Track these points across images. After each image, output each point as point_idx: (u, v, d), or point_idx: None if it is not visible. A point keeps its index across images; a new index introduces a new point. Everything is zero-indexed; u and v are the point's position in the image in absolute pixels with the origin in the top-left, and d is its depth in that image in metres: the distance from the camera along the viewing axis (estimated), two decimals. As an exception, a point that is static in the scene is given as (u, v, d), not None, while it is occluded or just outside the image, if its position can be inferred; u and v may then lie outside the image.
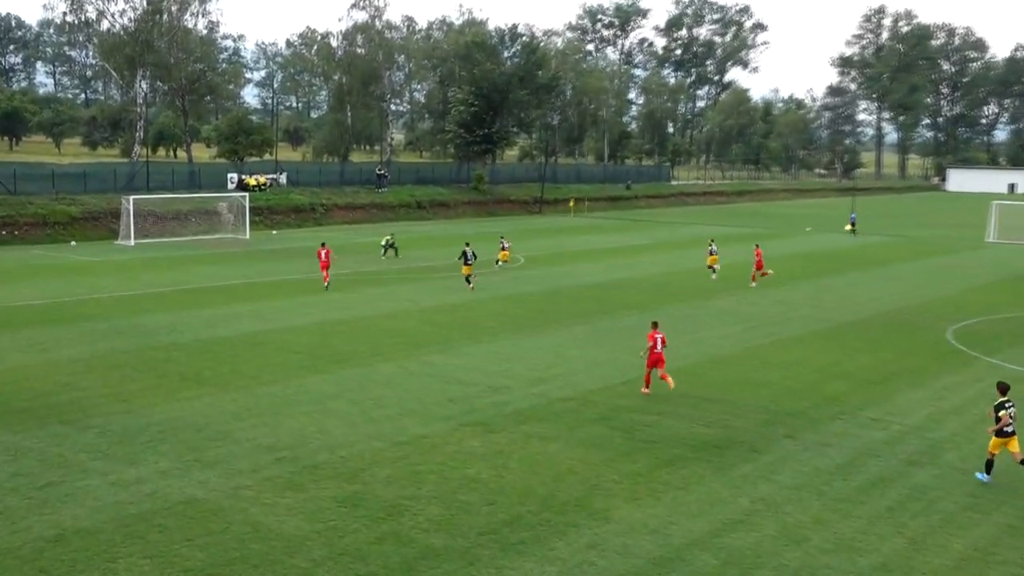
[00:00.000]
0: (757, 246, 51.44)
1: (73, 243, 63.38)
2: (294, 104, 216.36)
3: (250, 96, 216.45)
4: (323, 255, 45.18)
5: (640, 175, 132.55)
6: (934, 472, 20.56)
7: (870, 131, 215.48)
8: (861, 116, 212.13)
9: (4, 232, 63.35)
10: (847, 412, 24.90)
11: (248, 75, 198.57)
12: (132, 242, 63.45)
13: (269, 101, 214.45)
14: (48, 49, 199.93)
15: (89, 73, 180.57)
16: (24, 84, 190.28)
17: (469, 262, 45.56)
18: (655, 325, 26.92)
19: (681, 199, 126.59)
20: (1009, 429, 19.53)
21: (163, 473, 19.36)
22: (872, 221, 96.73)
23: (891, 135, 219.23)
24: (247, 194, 73.86)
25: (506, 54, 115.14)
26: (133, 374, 27.28)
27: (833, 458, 21.30)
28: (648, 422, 23.46)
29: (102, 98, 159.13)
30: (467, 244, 47.34)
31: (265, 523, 17.10)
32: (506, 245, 55.68)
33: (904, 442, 22.50)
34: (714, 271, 50.52)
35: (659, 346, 26.07)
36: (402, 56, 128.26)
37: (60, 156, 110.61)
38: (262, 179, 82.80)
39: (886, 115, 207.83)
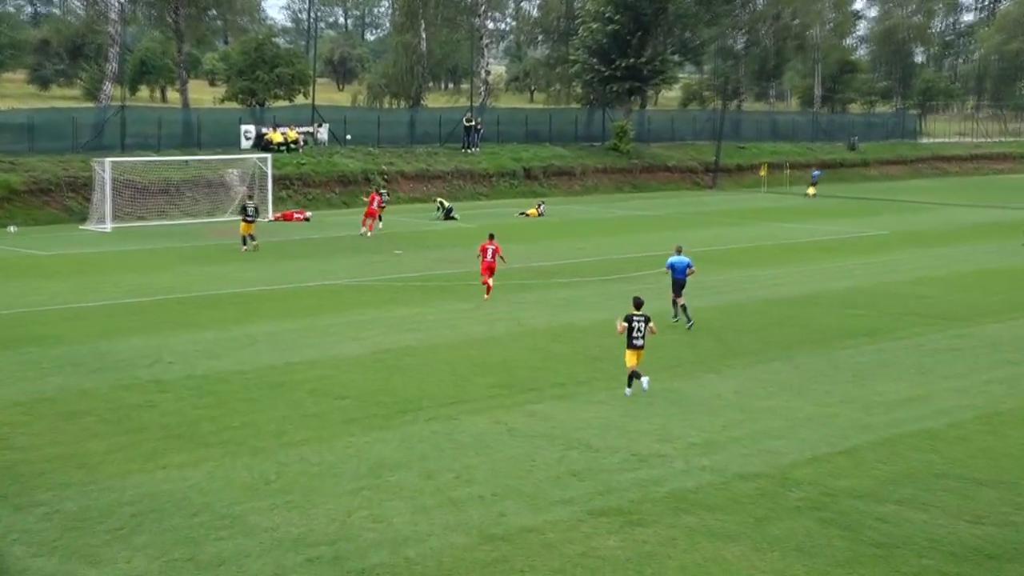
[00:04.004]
0: (375, 190, 68.84)
1: (12, 228, 65.05)
2: (341, 21, 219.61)
3: (274, 9, 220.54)
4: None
5: (871, 129, 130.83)
6: None
7: None
8: None
9: (-86, 212, 65.51)
10: None
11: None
12: (109, 226, 65.03)
13: (303, 16, 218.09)
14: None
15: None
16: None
17: (249, 218, 56.47)
18: (491, 237, 44.93)
19: (935, 165, 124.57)
20: (637, 343, 30.88)
21: (139, 577, 19.64)
22: None
23: None
24: (269, 156, 75.04)
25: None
26: (97, 427, 27.78)
27: None
28: (882, 514, 22.99)
29: (57, 12, 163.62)
30: (250, 197, 60.62)
31: (290, 657, 17.21)
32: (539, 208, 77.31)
33: None
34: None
35: (489, 255, 44.06)
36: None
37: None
38: (292, 134, 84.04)
39: None
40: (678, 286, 40.85)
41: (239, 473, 24.59)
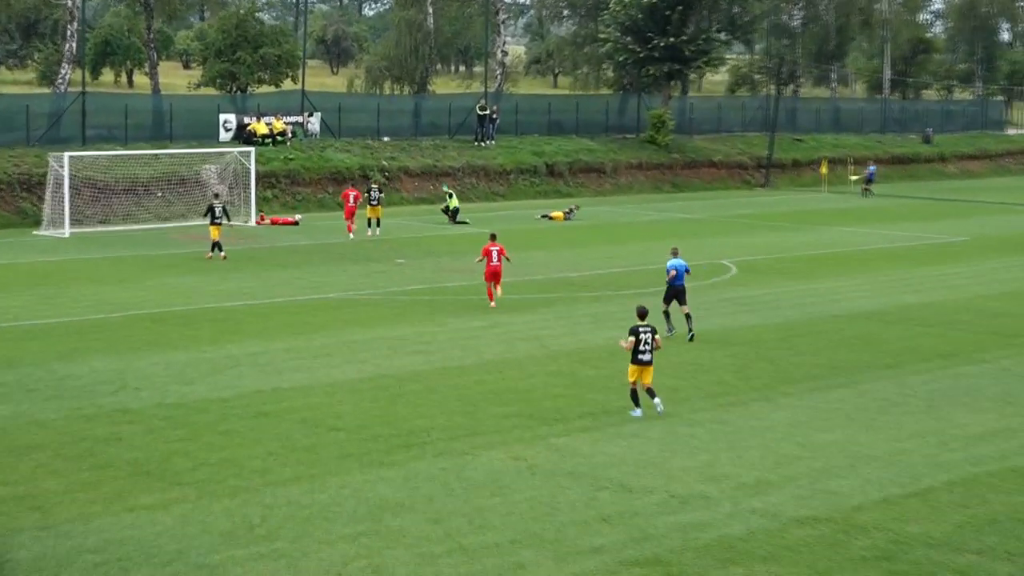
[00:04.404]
0: (350, 186, 71.31)
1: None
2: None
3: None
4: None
5: (949, 118, 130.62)
6: None
7: None
8: None
9: None
10: None
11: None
12: (67, 231, 65.20)
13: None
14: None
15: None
16: None
17: (217, 221, 57.24)
18: (493, 238, 46.79)
19: (1023, 161, 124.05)
20: (645, 357, 31.91)
21: (103, 636, 19.68)
22: None
23: None
24: (252, 150, 75.01)
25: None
26: (54, 463, 27.80)
27: None
28: (961, 566, 22.95)
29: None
30: (216, 195, 60.64)
31: None
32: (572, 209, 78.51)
33: None
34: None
35: (495, 259, 45.96)
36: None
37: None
38: (279, 124, 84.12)
39: None
40: (677, 293, 42.15)
41: (217, 517, 24.60)
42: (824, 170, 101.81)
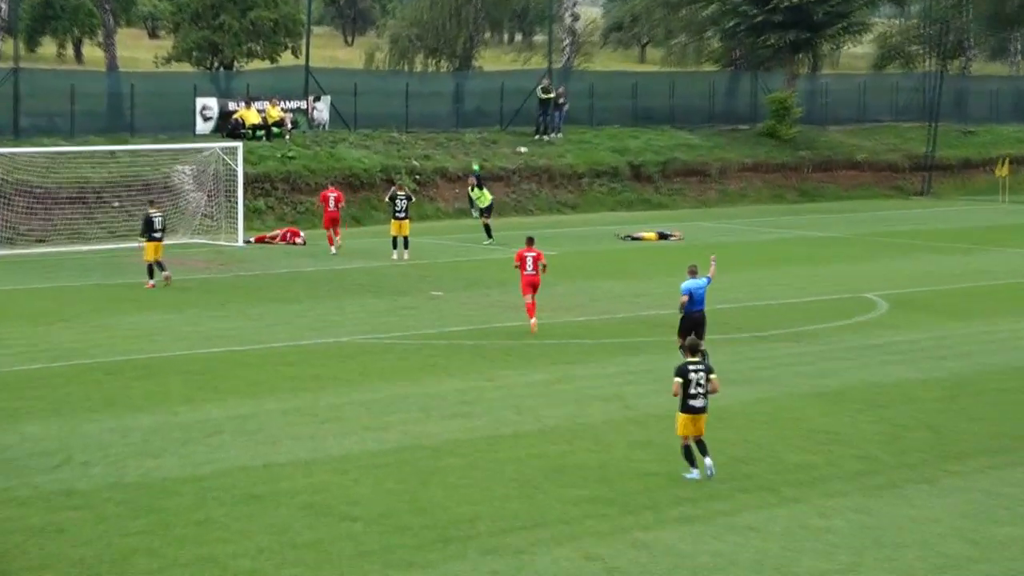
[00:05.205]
0: (329, 186, 72.64)
1: None
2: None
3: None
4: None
5: None
6: None
7: None
8: None
9: None
10: None
11: None
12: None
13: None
14: None
15: None
16: None
17: (156, 235, 58.52)
18: (530, 242, 50.48)
19: None
20: (697, 404, 32.63)
21: None
22: None
23: None
24: (240, 145, 75.22)
25: None
26: (-24, 560, 27.92)
27: None
28: None
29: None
30: (151, 202, 62.41)
31: None
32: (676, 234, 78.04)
33: None
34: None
35: (529, 266, 49.30)
36: None
37: None
38: (275, 113, 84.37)
39: None
40: (693, 325, 43.07)
41: (192, 635, 24.67)
42: (1004, 172, 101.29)
